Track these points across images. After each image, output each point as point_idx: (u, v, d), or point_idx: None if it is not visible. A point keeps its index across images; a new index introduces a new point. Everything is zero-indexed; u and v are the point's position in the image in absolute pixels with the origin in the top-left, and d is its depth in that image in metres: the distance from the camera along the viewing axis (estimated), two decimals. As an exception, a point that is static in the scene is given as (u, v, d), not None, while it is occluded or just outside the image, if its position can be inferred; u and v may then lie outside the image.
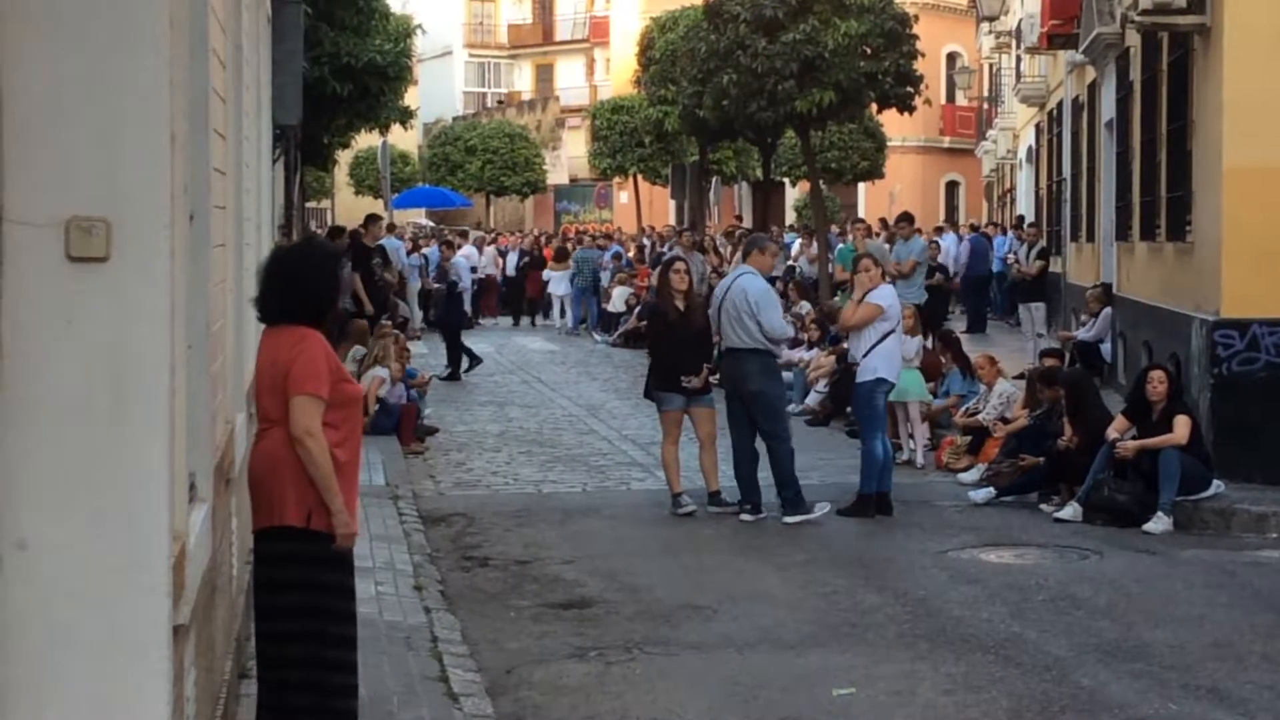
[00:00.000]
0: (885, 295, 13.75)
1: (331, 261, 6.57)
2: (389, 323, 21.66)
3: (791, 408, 18.83)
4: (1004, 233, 35.79)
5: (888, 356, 13.64)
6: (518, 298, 37.36)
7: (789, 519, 13.08)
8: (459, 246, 33.60)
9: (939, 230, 36.71)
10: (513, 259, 36.88)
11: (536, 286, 36.78)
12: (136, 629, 4.50)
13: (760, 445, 13.46)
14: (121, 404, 4.46)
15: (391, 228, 35.45)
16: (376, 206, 41.60)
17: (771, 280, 23.71)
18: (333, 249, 6.99)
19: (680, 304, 13.64)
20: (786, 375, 18.89)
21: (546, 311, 36.48)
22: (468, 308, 30.80)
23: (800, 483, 13.35)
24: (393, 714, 7.71)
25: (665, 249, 31.00)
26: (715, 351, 14.11)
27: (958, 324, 28.71)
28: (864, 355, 13.60)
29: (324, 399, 6.19)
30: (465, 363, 24.80)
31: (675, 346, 13.52)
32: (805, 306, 23.51)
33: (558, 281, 35.09)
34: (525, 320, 37.12)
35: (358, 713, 6.56)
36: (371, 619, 9.43)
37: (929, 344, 18.19)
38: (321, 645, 6.29)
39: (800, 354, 20.70)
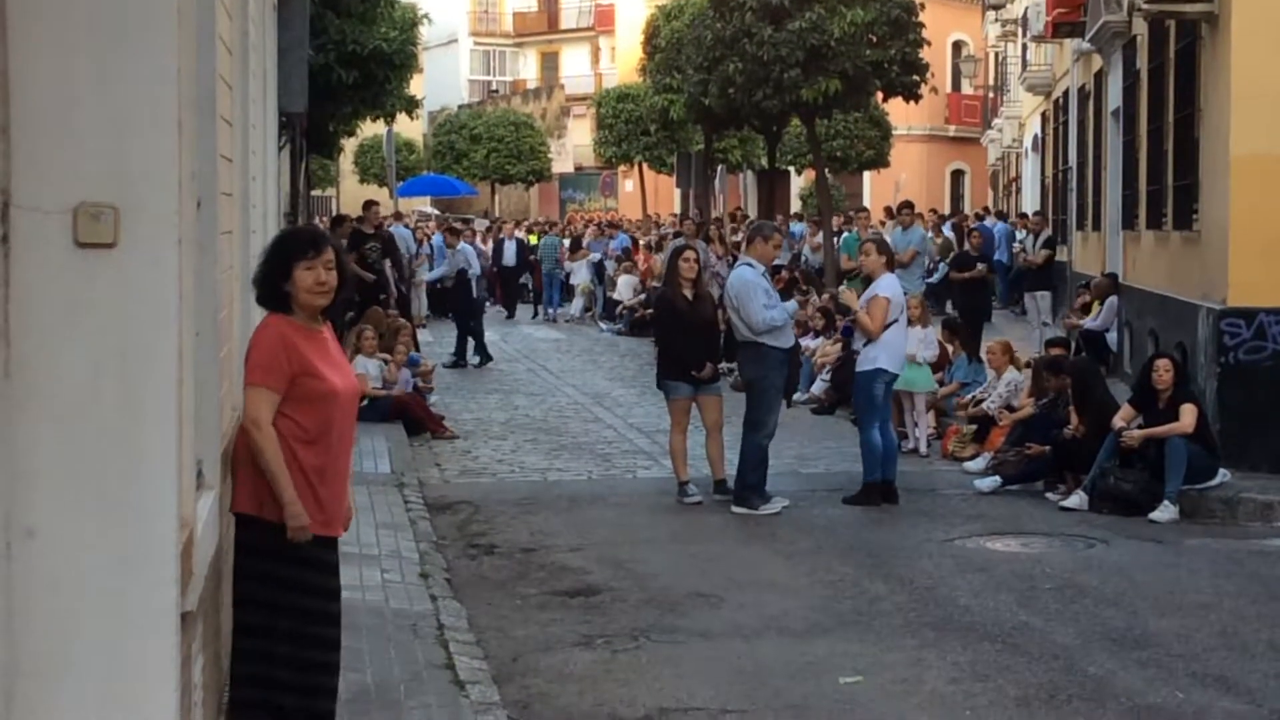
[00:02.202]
0: (888, 285, 13.73)
1: (274, 248, 6.29)
2: (395, 312, 21.64)
3: (797, 396, 18.83)
4: (1003, 220, 35.73)
5: (889, 346, 13.60)
6: (514, 288, 36.59)
7: (735, 509, 13.12)
8: (464, 234, 33.15)
9: (979, 217, 36.43)
10: (510, 248, 36.25)
11: (540, 277, 36.28)
12: (144, 616, 4.50)
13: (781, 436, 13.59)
14: (129, 391, 4.45)
15: (398, 216, 35.45)
16: (381, 195, 41.56)
17: (777, 269, 23.77)
18: (290, 237, 6.61)
19: (689, 293, 13.63)
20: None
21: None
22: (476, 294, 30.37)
23: (805, 472, 13.35)
24: (399, 701, 7.71)
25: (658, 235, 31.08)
26: (722, 340, 14.17)
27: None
28: (865, 344, 13.61)
29: (273, 390, 5.95)
30: (473, 354, 24.76)
31: (683, 336, 13.52)
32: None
33: (577, 271, 35.14)
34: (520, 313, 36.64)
35: (322, 715, 6.26)
36: (378, 606, 9.45)
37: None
38: (274, 641, 6.06)
39: (806, 342, 20.69)
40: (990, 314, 23.71)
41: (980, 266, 24.33)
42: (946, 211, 45.46)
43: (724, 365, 14.12)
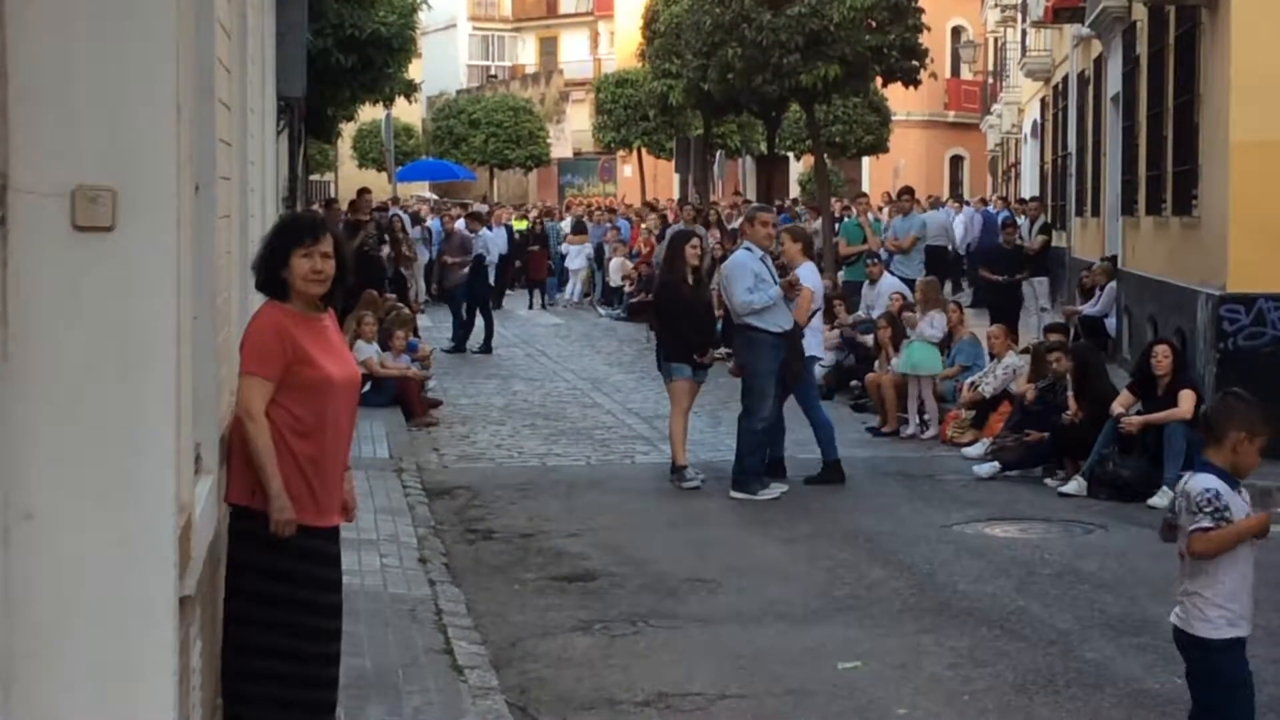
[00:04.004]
0: (808, 275, 13.88)
1: (274, 234, 6.25)
2: (393, 296, 21.64)
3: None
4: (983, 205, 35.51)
5: (816, 333, 14.08)
6: (505, 276, 34.65)
7: (734, 493, 13.14)
8: (485, 221, 32.24)
9: (983, 202, 35.72)
10: (501, 235, 35.05)
11: (540, 266, 35.29)
12: (142, 600, 4.49)
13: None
14: (127, 375, 4.44)
15: (394, 200, 35.30)
16: (380, 180, 41.50)
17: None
18: (290, 223, 6.54)
19: (691, 279, 13.70)
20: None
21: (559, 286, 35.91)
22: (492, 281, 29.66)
23: (802, 457, 13.36)
24: (397, 686, 7.71)
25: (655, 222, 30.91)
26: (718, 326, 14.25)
27: (965, 298, 28.73)
28: None
29: (267, 378, 5.88)
30: (475, 341, 24.69)
31: (687, 319, 13.56)
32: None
33: (574, 255, 35.01)
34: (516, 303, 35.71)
35: (323, 706, 6.20)
36: (376, 591, 9.45)
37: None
38: (270, 632, 5.98)
39: (804, 328, 20.64)
40: (1017, 318, 22.26)
41: (1023, 271, 22.59)
42: (944, 197, 45.35)
43: (722, 350, 14.15)
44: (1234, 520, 6.04)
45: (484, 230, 27.19)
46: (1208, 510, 6.04)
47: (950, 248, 29.67)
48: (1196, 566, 6.11)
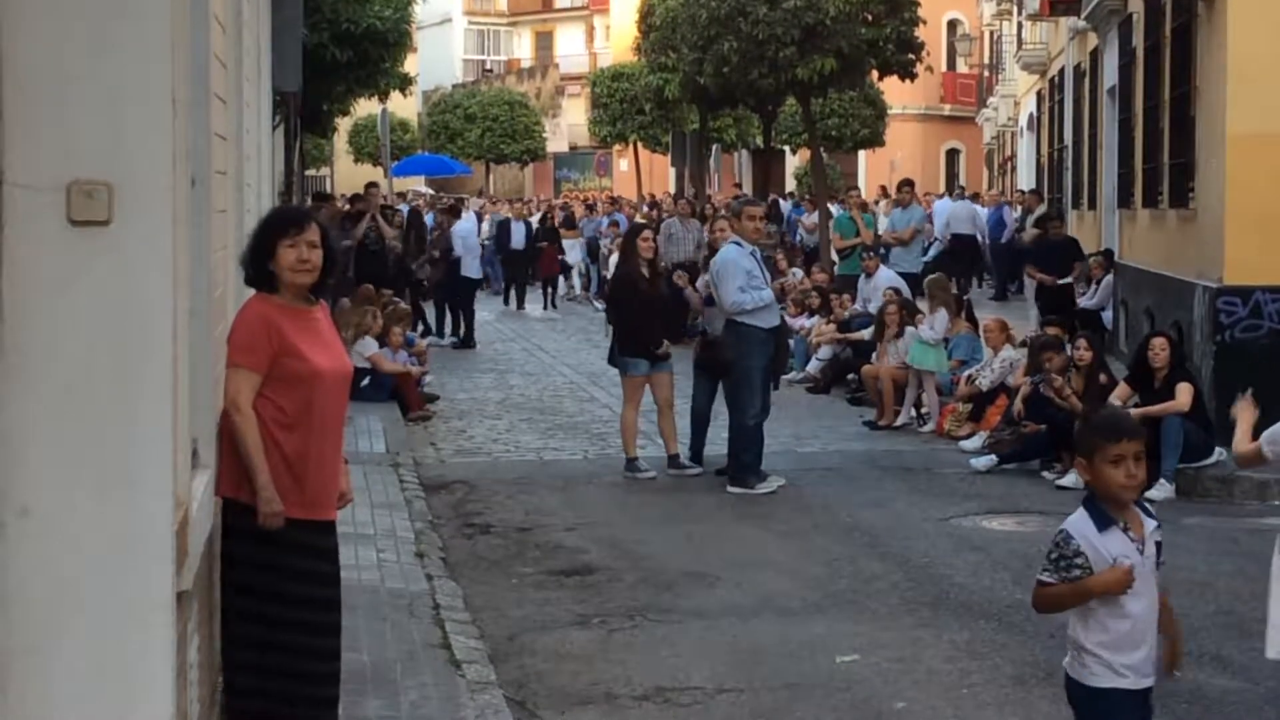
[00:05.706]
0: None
1: (259, 228, 6.26)
2: (389, 291, 21.60)
3: (792, 375, 18.80)
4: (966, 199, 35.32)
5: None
6: (521, 274, 33.92)
7: (731, 488, 13.14)
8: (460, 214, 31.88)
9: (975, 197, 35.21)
10: (519, 231, 33.54)
11: (552, 262, 34.09)
12: (140, 595, 4.49)
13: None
14: (124, 369, 4.43)
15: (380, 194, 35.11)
16: (376, 174, 41.46)
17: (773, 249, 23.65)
18: (274, 216, 6.52)
19: (646, 271, 13.75)
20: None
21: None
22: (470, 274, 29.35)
23: (800, 451, 13.33)
24: (395, 681, 7.71)
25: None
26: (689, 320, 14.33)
27: (984, 293, 28.79)
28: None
29: (253, 370, 5.90)
30: (453, 334, 24.77)
31: (641, 313, 13.58)
32: (797, 274, 23.46)
33: (569, 249, 34.96)
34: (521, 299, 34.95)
35: (321, 701, 6.22)
36: (373, 586, 9.45)
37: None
38: (262, 626, 5.98)
39: (801, 322, 20.65)
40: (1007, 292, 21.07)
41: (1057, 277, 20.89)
42: (941, 191, 45.30)
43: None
44: (1089, 569, 5.20)
45: (457, 225, 27.09)
46: (1052, 558, 5.26)
47: (980, 238, 29.67)
48: (1083, 610, 5.30)
